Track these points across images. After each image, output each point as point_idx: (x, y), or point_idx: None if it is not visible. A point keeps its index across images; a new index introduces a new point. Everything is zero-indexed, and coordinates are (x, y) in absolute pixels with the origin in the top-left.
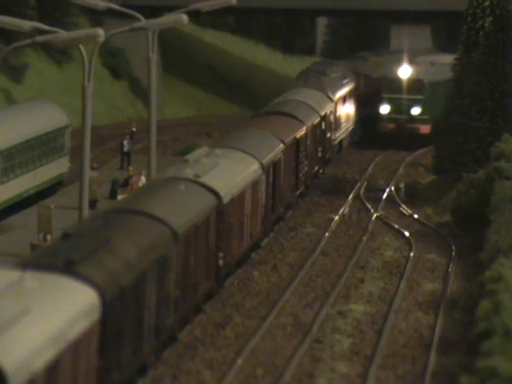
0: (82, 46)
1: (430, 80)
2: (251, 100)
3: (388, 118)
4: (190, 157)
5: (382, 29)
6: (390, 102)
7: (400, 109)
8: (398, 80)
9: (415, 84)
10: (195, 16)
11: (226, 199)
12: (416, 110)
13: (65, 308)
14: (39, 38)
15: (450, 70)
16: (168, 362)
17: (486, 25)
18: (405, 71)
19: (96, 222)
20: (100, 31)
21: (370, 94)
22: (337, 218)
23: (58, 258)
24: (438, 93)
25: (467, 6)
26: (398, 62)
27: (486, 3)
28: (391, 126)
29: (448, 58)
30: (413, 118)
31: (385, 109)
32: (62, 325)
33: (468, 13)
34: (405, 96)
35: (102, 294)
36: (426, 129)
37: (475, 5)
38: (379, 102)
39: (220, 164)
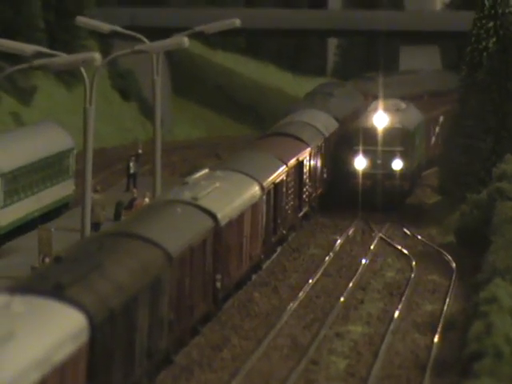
0: (83, 69)
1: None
2: (261, 121)
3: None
4: (190, 179)
5: (392, 49)
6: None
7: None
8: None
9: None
10: (205, 37)
11: (223, 221)
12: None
13: (51, 331)
14: (37, 62)
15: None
16: None
17: (490, 45)
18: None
19: (89, 245)
20: (97, 55)
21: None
22: (340, 239)
23: (47, 282)
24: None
25: (471, 27)
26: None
27: (490, 24)
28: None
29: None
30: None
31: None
32: (48, 348)
33: (472, 33)
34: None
35: (91, 316)
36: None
37: (479, 25)
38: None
39: (219, 186)
